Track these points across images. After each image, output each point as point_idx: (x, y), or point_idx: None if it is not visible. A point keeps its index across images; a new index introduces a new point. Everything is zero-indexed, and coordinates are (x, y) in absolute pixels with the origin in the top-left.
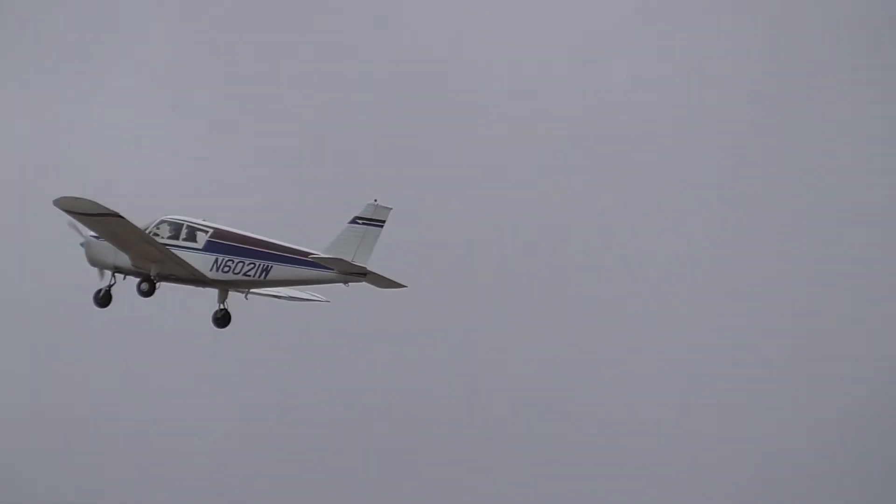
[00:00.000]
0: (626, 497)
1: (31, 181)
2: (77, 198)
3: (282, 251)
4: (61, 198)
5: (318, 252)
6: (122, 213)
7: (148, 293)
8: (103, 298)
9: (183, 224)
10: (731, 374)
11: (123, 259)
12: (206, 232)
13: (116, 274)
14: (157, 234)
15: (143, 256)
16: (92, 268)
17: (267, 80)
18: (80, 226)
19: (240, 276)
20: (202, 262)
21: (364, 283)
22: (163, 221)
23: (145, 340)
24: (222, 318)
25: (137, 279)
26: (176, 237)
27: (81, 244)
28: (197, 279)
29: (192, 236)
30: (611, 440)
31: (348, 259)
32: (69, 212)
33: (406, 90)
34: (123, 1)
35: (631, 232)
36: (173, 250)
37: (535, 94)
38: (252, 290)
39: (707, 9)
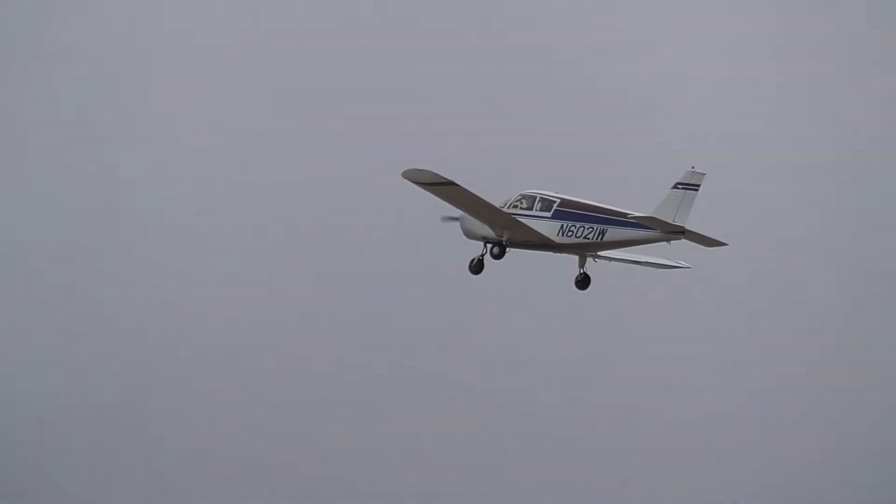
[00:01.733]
0: None
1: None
2: (420, 169)
3: (614, 215)
4: (408, 170)
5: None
6: (456, 182)
7: (498, 256)
8: (476, 266)
9: (537, 196)
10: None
11: (488, 230)
12: (555, 202)
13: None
14: (517, 206)
15: (494, 223)
16: (468, 241)
17: None
18: (453, 209)
19: (581, 240)
20: (550, 229)
21: (687, 241)
22: (521, 195)
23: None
24: (583, 281)
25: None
26: (531, 207)
27: (454, 219)
28: (547, 244)
29: (545, 206)
30: None
31: (669, 220)
32: (414, 181)
33: None
34: None
35: None
36: (530, 219)
37: None
38: (599, 254)
39: None
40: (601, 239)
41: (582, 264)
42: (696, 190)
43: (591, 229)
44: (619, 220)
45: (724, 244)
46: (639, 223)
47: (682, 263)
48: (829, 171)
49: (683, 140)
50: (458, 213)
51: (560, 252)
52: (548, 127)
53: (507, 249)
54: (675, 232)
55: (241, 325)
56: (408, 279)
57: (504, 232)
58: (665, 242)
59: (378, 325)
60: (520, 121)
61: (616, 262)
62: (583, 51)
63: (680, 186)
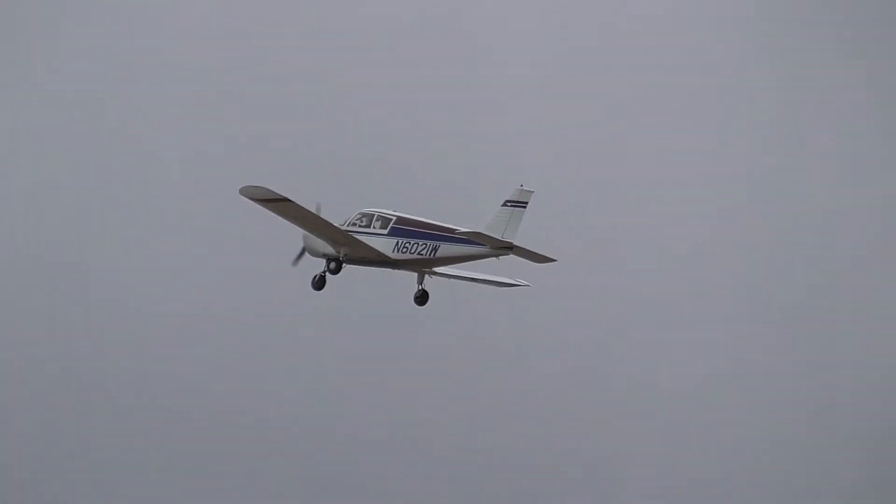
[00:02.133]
0: None
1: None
2: (256, 186)
3: (446, 231)
4: (244, 187)
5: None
6: (291, 198)
7: (334, 272)
8: (318, 282)
9: (374, 214)
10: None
11: (329, 248)
12: (392, 220)
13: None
14: (357, 223)
15: (330, 239)
16: (312, 258)
17: None
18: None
19: (415, 255)
20: (387, 245)
21: (516, 257)
22: (361, 213)
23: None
24: (421, 297)
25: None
26: (369, 225)
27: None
28: (384, 260)
29: (382, 224)
30: None
31: (498, 236)
32: (251, 198)
33: None
34: None
35: None
36: (368, 236)
37: None
38: (436, 271)
39: None
40: (434, 255)
41: (420, 281)
42: (524, 207)
43: (424, 245)
44: (451, 236)
45: (553, 260)
46: (469, 239)
47: (521, 281)
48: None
49: (513, 158)
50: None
51: (397, 268)
52: (388, 142)
53: (344, 266)
54: (504, 248)
55: None
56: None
57: (341, 248)
58: (495, 258)
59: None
60: (363, 135)
61: (455, 280)
62: (416, 66)
63: (509, 204)
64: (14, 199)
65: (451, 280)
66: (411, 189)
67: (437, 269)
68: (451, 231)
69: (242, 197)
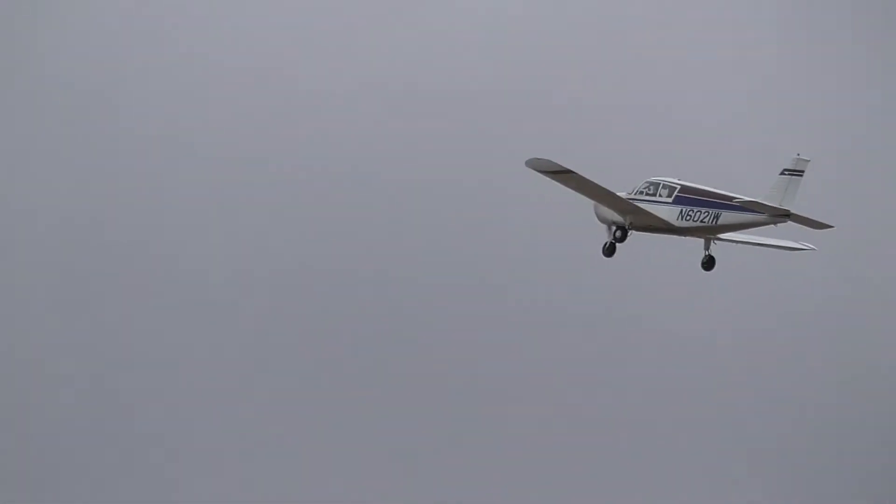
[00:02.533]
0: None
1: None
2: (540, 158)
3: (726, 200)
4: (531, 159)
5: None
6: (573, 170)
7: (620, 239)
8: (609, 249)
9: (661, 183)
10: None
11: (616, 215)
12: (676, 188)
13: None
14: (643, 192)
15: (615, 208)
16: (600, 224)
17: None
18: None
19: (698, 223)
20: (670, 213)
21: (794, 224)
22: (648, 182)
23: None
24: (708, 262)
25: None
26: (655, 193)
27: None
28: (668, 227)
29: (667, 192)
30: None
31: (776, 204)
32: (537, 170)
33: None
34: None
35: None
36: (654, 204)
37: None
38: (720, 237)
39: None
40: (716, 223)
41: (707, 247)
42: (801, 175)
43: (707, 213)
44: (732, 204)
45: (830, 226)
46: (748, 207)
47: (808, 245)
48: None
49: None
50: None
51: (682, 235)
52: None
53: (631, 233)
54: (781, 215)
55: None
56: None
57: (627, 216)
58: (773, 225)
59: None
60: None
61: (741, 245)
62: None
63: (786, 172)
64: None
65: (737, 245)
66: (695, 160)
67: (721, 236)
68: (732, 200)
69: (528, 168)
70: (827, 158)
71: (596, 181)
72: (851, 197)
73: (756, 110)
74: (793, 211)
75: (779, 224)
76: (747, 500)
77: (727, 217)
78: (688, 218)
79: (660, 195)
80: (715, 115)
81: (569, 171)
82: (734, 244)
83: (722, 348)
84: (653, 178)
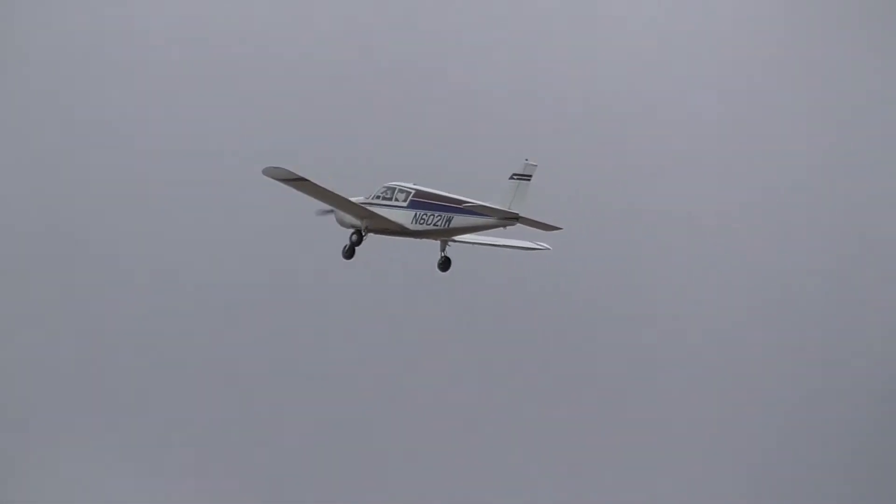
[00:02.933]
0: None
1: None
2: (277, 167)
3: (458, 204)
4: (267, 168)
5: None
6: (307, 178)
7: (356, 243)
8: (348, 252)
9: (396, 188)
10: None
11: (354, 219)
12: (411, 193)
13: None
14: (380, 196)
15: (352, 213)
16: (341, 228)
17: None
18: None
19: (431, 227)
20: (405, 217)
21: (523, 226)
22: (385, 187)
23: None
24: (444, 263)
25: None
26: (391, 198)
27: (329, 212)
28: (403, 231)
29: (403, 197)
30: None
31: (505, 207)
32: (274, 178)
33: None
34: None
35: None
36: (391, 209)
37: None
38: (454, 239)
39: None
40: (448, 226)
41: (443, 248)
42: (529, 179)
43: (439, 217)
44: (462, 208)
45: (558, 228)
46: (477, 211)
47: (542, 245)
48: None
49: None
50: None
51: (418, 238)
52: (405, 122)
53: (367, 236)
54: (510, 218)
55: None
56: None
57: (363, 221)
58: (502, 228)
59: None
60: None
61: (477, 245)
62: (421, 48)
63: (515, 177)
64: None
65: (474, 246)
66: (435, 165)
67: (457, 238)
68: (462, 204)
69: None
70: (555, 162)
71: (330, 188)
72: (580, 200)
73: (491, 116)
74: (521, 214)
75: (507, 227)
76: None
77: (459, 220)
78: (422, 221)
79: (396, 199)
80: (455, 122)
81: (303, 179)
82: (471, 245)
83: (457, 346)
84: (390, 183)
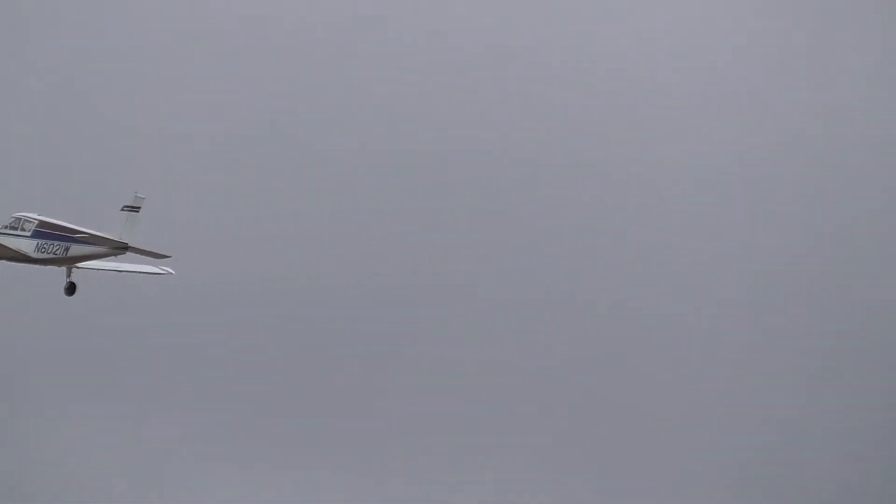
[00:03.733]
0: None
1: None
2: None
3: (75, 233)
4: None
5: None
6: None
7: None
8: None
9: (22, 218)
10: None
11: None
12: (35, 223)
13: None
14: (10, 226)
15: None
16: None
17: None
18: None
19: (51, 255)
20: (29, 245)
21: (134, 254)
22: (14, 217)
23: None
24: (69, 289)
25: None
26: (18, 228)
27: None
28: (27, 258)
29: (28, 227)
30: None
31: (115, 237)
32: None
33: None
34: None
35: None
36: (17, 238)
37: None
38: (76, 266)
39: None
40: (66, 254)
41: (68, 274)
42: (138, 211)
43: (58, 246)
44: (77, 238)
45: (167, 256)
46: (90, 241)
47: (166, 269)
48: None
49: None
50: None
51: (42, 265)
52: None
53: None
54: (120, 247)
55: None
56: None
57: None
58: (114, 256)
59: None
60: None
61: (103, 271)
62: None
63: (126, 208)
64: None
65: (100, 271)
66: (69, 196)
67: (82, 265)
68: (78, 234)
69: None
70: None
71: None
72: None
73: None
74: (131, 244)
75: (119, 256)
76: None
77: (75, 249)
78: (43, 250)
79: (23, 229)
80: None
81: None
82: (98, 271)
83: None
84: (18, 214)
